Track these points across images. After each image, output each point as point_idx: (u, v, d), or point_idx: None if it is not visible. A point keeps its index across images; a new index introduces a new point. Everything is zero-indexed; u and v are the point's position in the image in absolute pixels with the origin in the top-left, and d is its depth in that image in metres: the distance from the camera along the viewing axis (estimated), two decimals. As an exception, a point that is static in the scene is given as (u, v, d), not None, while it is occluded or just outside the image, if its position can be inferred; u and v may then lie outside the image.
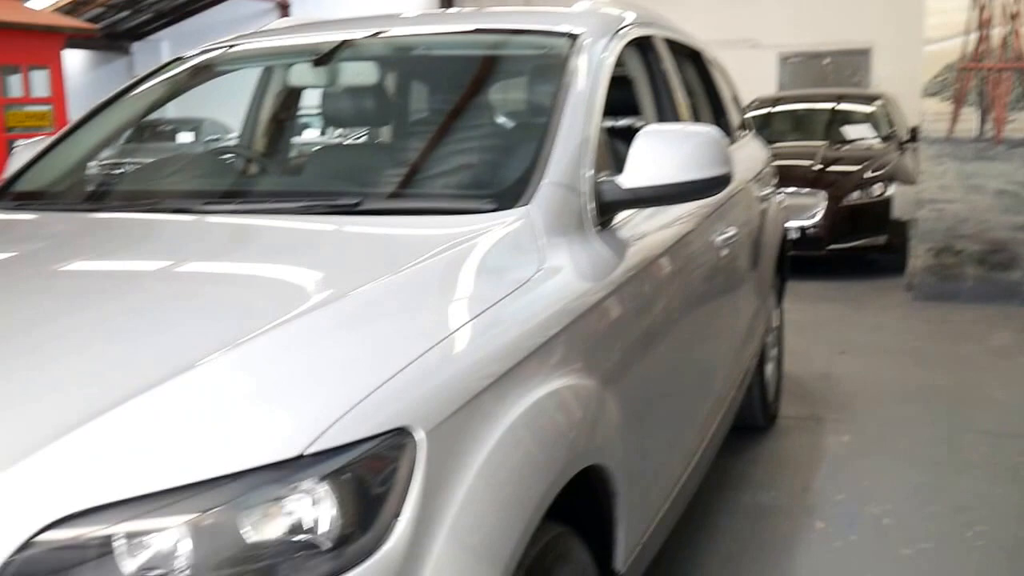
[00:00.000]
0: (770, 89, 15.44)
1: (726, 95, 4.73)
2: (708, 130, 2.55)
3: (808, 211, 8.84)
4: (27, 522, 1.33)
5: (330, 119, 3.47)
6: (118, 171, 3.51)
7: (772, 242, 4.68)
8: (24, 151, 3.33)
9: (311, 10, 23.73)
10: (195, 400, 1.52)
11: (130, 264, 2.29)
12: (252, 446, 1.44)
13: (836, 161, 9.44)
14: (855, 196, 8.98)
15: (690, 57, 4.24)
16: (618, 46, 2.99)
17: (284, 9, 24.79)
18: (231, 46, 3.51)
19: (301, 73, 3.50)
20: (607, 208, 2.47)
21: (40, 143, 3.34)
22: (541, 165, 2.39)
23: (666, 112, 3.41)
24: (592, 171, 2.47)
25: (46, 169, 3.13)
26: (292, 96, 3.89)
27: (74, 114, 10.91)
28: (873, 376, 5.83)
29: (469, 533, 1.60)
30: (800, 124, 10.83)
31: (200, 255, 2.29)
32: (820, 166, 9.27)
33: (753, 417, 4.70)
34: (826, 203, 8.88)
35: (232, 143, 3.89)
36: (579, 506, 2.07)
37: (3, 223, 2.77)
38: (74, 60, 23.40)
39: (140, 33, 25.63)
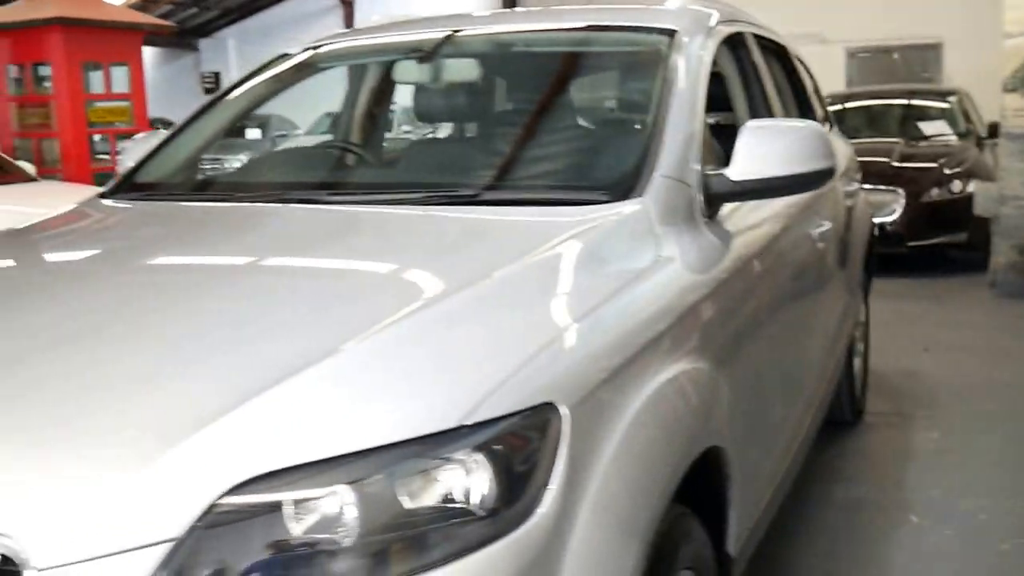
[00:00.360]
0: (838, 85, 15.32)
1: (810, 90, 4.74)
2: (812, 124, 2.61)
3: (887, 208, 8.77)
4: (209, 488, 1.41)
5: (436, 114, 3.54)
6: (228, 164, 3.60)
7: (860, 237, 4.69)
8: (138, 145, 3.43)
9: (377, 6, 23.95)
10: (356, 374, 1.62)
11: (273, 250, 2.39)
12: (412, 417, 1.51)
13: (913, 158, 9.36)
14: (935, 193, 8.91)
15: (775, 53, 4.26)
16: (714, 42, 3.04)
17: (348, 6, 25.02)
18: (333, 43, 3.58)
19: (406, 69, 3.57)
20: (713, 200, 2.53)
21: (153, 137, 3.44)
22: (652, 158, 2.46)
23: (758, 108, 3.44)
24: (699, 164, 2.52)
25: (163, 162, 3.23)
26: (392, 92, 3.98)
27: (149, 110, 11.14)
28: (959, 373, 5.79)
29: (610, 506, 1.66)
30: (874, 120, 10.74)
31: (338, 242, 2.40)
32: (898, 163, 9.19)
33: (841, 412, 4.70)
34: (905, 200, 8.81)
35: (333, 138, 3.96)
36: (696, 489, 2.12)
37: (142, 212, 2.90)
38: (143, 57, 23.84)
39: (207, 30, 25.99)
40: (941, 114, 10.47)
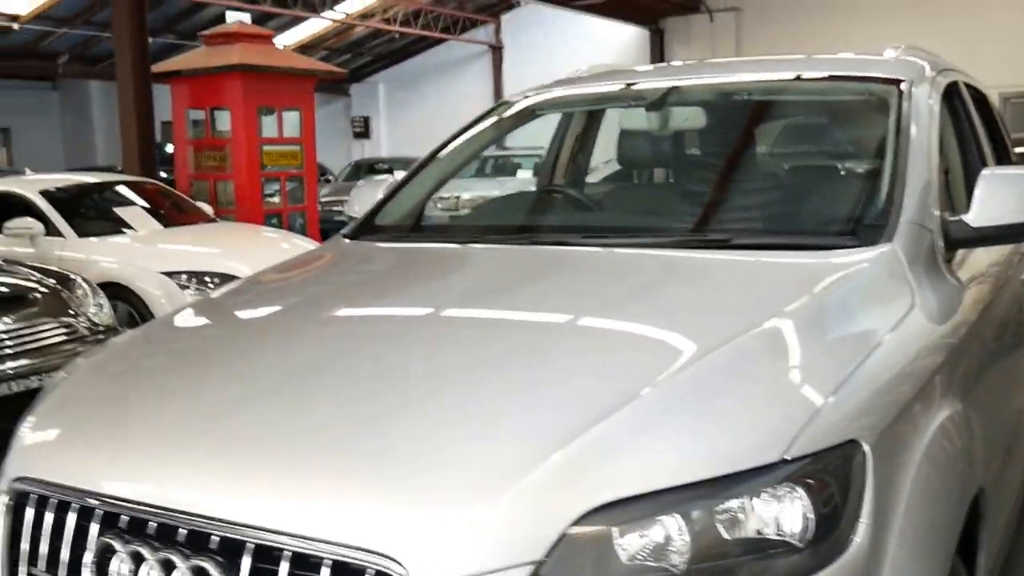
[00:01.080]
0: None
1: (1007, 137, 4.73)
2: None
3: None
4: (561, 516, 1.56)
5: (659, 160, 3.68)
6: (455, 207, 3.76)
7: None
8: (366, 189, 3.61)
9: (524, 53, 24.38)
10: (674, 412, 1.74)
11: (541, 292, 2.51)
12: (734, 453, 1.63)
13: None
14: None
15: (977, 100, 4.27)
16: (938, 91, 3.10)
17: (496, 52, 25.54)
18: (551, 92, 3.72)
19: (630, 117, 3.70)
20: (951, 246, 2.60)
21: (374, 184, 3.62)
22: (897, 203, 2.53)
23: (972, 155, 3.46)
24: (938, 210, 2.59)
25: (396, 205, 3.39)
26: (596, 137, 4.11)
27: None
28: None
29: (914, 541, 1.76)
30: (1040, 166, 10.47)
31: (608, 284, 2.50)
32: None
33: None
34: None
35: (560, 182, 4.07)
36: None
37: (400, 253, 3.05)
38: (298, 102, 24.71)
39: (358, 75, 26.74)
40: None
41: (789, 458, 1.62)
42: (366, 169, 21.19)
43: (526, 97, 3.71)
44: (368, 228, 3.28)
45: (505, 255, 2.83)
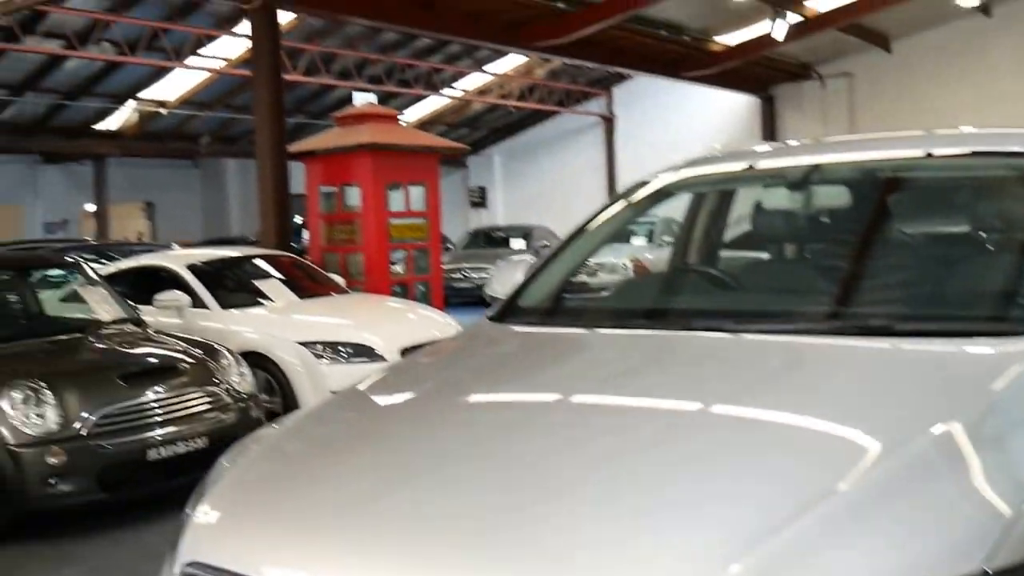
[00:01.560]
0: None
1: None
2: None
3: None
4: None
5: (805, 239, 3.62)
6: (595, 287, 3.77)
7: None
8: (506, 270, 3.71)
9: (635, 126, 24.59)
10: (865, 516, 1.68)
11: (702, 383, 2.45)
12: (932, 561, 1.59)
13: None
14: None
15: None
16: None
17: (608, 122, 25.81)
18: (684, 171, 3.67)
19: (767, 195, 3.66)
20: None
21: (516, 262, 3.71)
22: None
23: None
24: None
25: (537, 286, 3.35)
26: (727, 215, 4.11)
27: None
28: None
29: None
30: None
31: (771, 375, 2.45)
32: None
33: None
34: None
35: (699, 263, 3.93)
36: None
37: (549, 339, 3.05)
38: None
39: (475, 148, 27.29)
40: None
41: (991, 571, 1.57)
42: (483, 237, 21.55)
43: (659, 177, 3.63)
44: (510, 310, 3.25)
45: (656, 342, 2.78)
